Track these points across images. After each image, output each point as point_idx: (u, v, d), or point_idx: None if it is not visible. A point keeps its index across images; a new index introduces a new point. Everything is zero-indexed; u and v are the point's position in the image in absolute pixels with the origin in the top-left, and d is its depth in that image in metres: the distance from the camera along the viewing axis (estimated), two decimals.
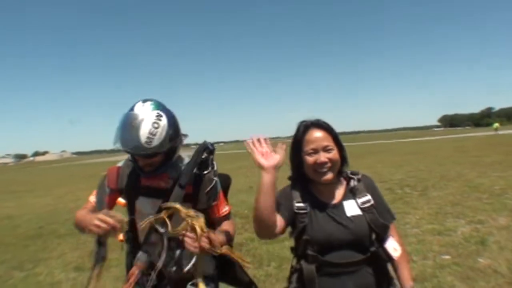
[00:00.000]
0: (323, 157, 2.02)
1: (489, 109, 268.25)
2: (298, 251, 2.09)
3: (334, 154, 2.05)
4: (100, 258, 2.10)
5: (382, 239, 2.02)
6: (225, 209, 2.36)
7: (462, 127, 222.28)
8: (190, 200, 2.22)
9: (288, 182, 2.20)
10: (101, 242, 2.09)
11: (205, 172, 2.27)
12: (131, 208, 2.32)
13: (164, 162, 2.18)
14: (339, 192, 2.12)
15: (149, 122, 2.00)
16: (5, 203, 16.50)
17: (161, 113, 2.05)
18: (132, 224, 2.34)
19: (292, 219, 2.07)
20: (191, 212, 2.03)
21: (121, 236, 2.33)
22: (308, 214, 2.04)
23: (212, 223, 2.31)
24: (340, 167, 2.12)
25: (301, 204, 2.06)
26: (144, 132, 1.98)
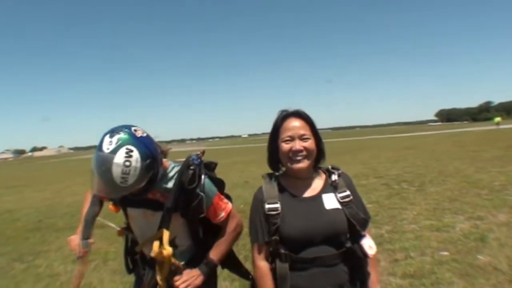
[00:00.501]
0: (298, 144, 2.02)
1: (488, 103, 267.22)
2: (271, 251, 2.06)
3: (310, 143, 2.04)
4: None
5: (358, 236, 2.01)
6: (220, 215, 2.31)
7: (460, 121, 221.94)
8: (177, 211, 2.21)
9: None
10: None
11: (191, 187, 2.15)
12: (125, 213, 2.40)
13: (150, 185, 2.08)
14: (317, 185, 2.11)
15: (119, 162, 1.87)
16: (5, 197, 16.62)
17: (130, 147, 1.91)
18: (128, 226, 2.46)
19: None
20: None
21: (119, 229, 2.51)
22: (280, 214, 2.02)
23: (212, 227, 2.38)
24: (316, 160, 2.12)
25: (272, 206, 2.03)
26: (116, 174, 1.87)
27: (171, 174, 2.23)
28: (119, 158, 1.87)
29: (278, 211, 2.01)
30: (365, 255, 1.99)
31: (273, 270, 2.04)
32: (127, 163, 1.88)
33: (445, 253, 5.25)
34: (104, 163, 1.87)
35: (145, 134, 2.04)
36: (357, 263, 2.02)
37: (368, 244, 2.00)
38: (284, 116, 2.10)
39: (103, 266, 5.77)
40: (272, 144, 2.13)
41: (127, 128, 1.99)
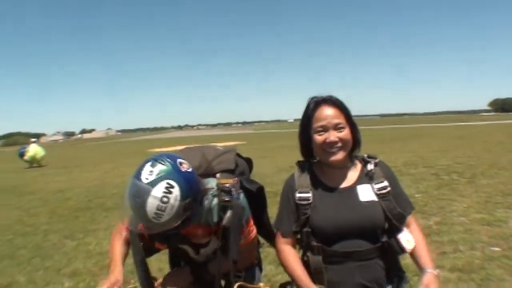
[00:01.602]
0: (333, 136, 1.91)
1: None
2: (303, 243, 2.02)
3: (345, 133, 1.94)
4: None
5: (395, 230, 1.93)
6: (243, 242, 2.12)
7: None
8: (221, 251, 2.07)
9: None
10: None
11: (224, 217, 2.00)
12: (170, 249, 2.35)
13: (187, 222, 1.88)
14: (352, 175, 2.02)
15: (157, 196, 1.71)
16: (57, 177, 17.20)
17: (171, 182, 1.74)
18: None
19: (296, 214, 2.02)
20: None
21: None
22: (311, 205, 1.96)
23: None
24: (352, 149, 2.02)
25: (303, 195, 1.98)
26: (150, 209, 1.70)
27: (210, 206, 2.04)
28: (158, 192, 1.71)
29: (310, 201, 1.97)
30: (402, 249, 1.91)
31: (306, 263, 2.00)
32: (165, 199, 1.72)
33: (496, 248, 5.06)
34: (140, 194, 1.72)
35: (190, 169, 1.87)
36: (393, 258, 1.96)
37: (406, 238, 1.92)
38: (316, 103, 1.99)
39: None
40: (304, 134, 2.05)
41: (172, 159, 1.84)
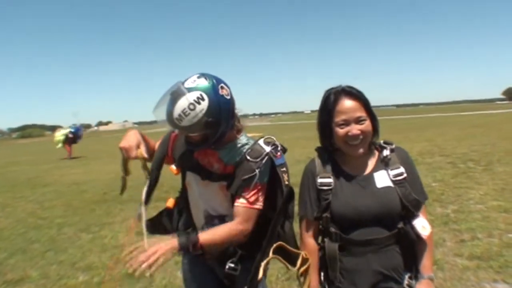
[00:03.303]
0: (355, 129, 1.89)
1: None
2: (322, 228, 2.01)
3: (366, 125, 1.92)
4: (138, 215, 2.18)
5: (411, 216, 1.90)
6: (242, 201, 2.08)
7: None
8: (227, 180, 2.12)
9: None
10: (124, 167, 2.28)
11: (251, 159, 2.07)
12: (183, 177, 2.33)
13: (204, 141, 2.05)
14: (370, 163, 2.01)
15: (187, 101, 1.90)
16: (73, 169, 17.26)
17: (204, 96, 1.91)
18: (184, 191, 2.38)
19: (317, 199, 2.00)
20: None
21: (170, 203, 2.38)
22: (332, 190, 1.95)
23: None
24: (371, 138, 2.00)
25: (325, 180, 1.97)
26: (178, 108, 1.90)
27: (237, 147, 2.15)
28: (190, 97, 1.90)
29: (331, 187, 1.96)
30: (418, 236, 1.89)
31: (323, 249, 2.00)
32: (191, 106, 1.90)
33: None
34: (177, 93, 1.92)
35: (228, 97, 2.02)
36: (410, 245, 1.92)
37: (422, 225, 1.90)
38: (336, 95, 1.96)
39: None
40: (324, 126, 2.01)
41: (216, 80, 2.00)
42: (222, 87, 1.99)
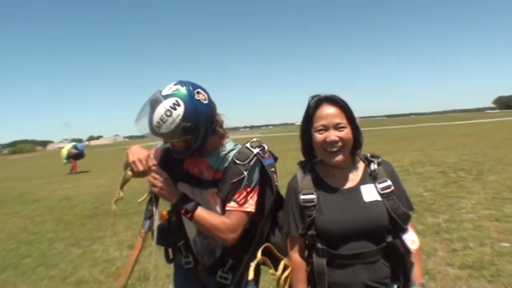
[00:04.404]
0: (333, 135, 1.86)
1: None
2: (308, 245, 1.98)
3: (346, 132, 1.89)
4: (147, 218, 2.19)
5: (400, 230, 1.89)
6: (233, 204, 2.07)
7: None
8: (217, 186, 2.13)
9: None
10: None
11: (239, 162, 2.07)
12: None
13: (187, 148, 2.09)
14: (356, 175, 1.98)
15: (163, 108, 1.94)
16: (64, 184, 17.26)
17: (180, 101, 1.95)
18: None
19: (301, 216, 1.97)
20: None
21: (163, 217, 2.33)
22: (316, 206, 1.91)
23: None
24: (353, 149, 1.97)
25: (307, 196, 1.93)
26: (156, 116, 1.95)
27: (224, 153, 2.17)
28: (166, 104, 1.94)
29: (314, 203, 1.92)
30: (407, 250, 1.87)
31: (310, 264, 1.97)
32: (168, 113, 1.93)
33: (506, 244, 5.03)
34: (154, 101, 1.96)
35: (206, 102, 2.04)
36: (399, 258, 1.90)
37: (411, 239, 1.88)
38: (317, 102, 1.95)
39: (158, 252, 5.80)
40: (305, 133, 2.01)
41: (192, 86, 2.02)
42: (198, 92, 2.01)
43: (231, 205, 2.07)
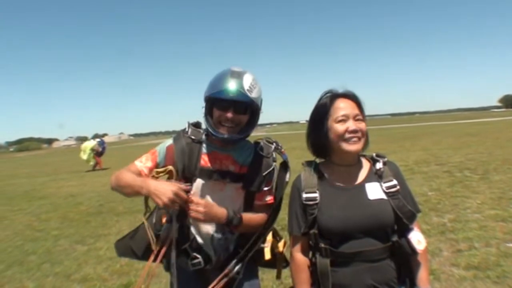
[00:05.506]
0: (354, 125, 1.89)
1: None
2: (311, 244, 1.98)
3: (364, 125, 1.92)
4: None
5: (405, 229, 1.88)
6: (268, 198, 2.30)
7: None
8: (243, 180, 2.22)
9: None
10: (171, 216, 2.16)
11: (265, 155, 2.26)
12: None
13: (243, 129, 2.19)
14: (361, 174, 1.98)
15: (251, 76, 2.13)
16: (69, 182, 17.31)
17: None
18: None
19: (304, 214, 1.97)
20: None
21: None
22: (318, 204, 1.91)
23: (251, 208, 2.27)
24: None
25: (310, 195, 1.93)
26: (247, 81, 2.09)
27: (247, 148, 2.31)
28: (250, 74, 2.14)
29: (316, 201, 1.92)
30: (413, 250, 1.85)
31: (314, 264, 1.95)
32: (255, 81, 2.15)
33: None
34: (238, 72, 2.13)
35: None
36: (404, 258, 1.89)
37: (417, 239, 1.86)
38: (333, 97, 1.97)
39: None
40: (317, 129, 1.98)
41: None
42: None
43: (267, 199, 2.29)
